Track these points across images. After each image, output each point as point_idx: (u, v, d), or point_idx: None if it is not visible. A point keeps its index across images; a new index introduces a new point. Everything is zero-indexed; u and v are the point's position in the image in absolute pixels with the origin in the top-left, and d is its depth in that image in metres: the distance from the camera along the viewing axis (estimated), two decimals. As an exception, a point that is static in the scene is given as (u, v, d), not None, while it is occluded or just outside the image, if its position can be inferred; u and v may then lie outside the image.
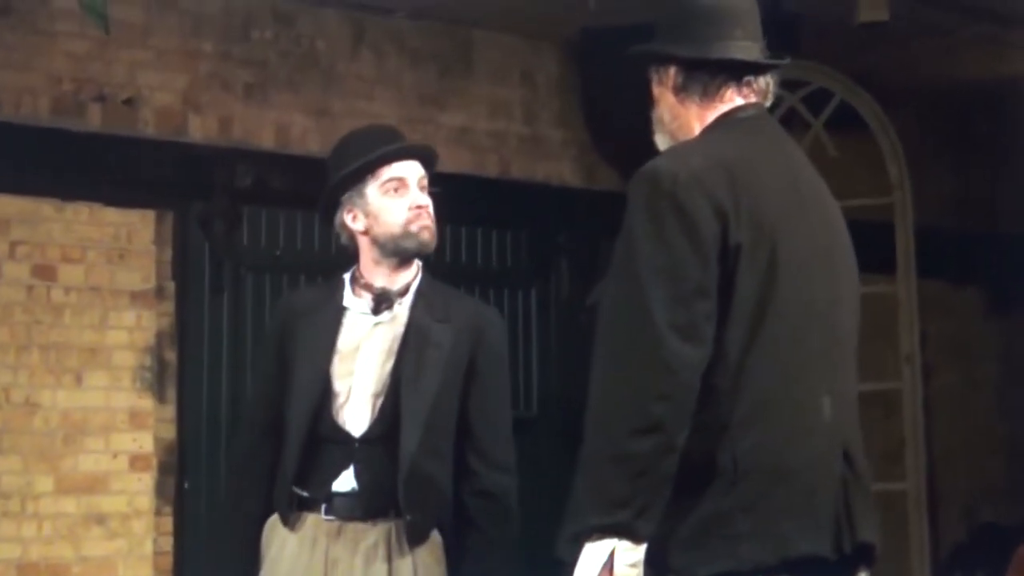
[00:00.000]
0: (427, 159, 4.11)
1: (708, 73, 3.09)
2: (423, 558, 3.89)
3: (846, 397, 3.01)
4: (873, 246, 8.48)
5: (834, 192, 8.61)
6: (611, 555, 2.77)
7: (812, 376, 2.92)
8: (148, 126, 7.30)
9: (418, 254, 4.04)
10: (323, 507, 3.87)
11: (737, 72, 3.10)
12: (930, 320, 8.88)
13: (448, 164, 8.09)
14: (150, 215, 7.24)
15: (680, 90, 3.12)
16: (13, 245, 6.89)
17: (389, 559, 3.85)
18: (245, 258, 7.56)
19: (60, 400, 6.85)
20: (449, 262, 8.17)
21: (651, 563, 2.80)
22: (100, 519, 6.83)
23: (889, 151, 8.28)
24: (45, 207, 6.99)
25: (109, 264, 7.08)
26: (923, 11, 7.95)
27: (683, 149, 3.05)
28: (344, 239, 4.08)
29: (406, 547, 3.86)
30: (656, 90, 3.19)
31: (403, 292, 4.02)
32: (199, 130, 7.45)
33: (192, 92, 7.44)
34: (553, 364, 8.43)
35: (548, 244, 8.49)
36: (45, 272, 6.97)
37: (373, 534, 3.86)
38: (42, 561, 6.76)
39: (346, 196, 4.00)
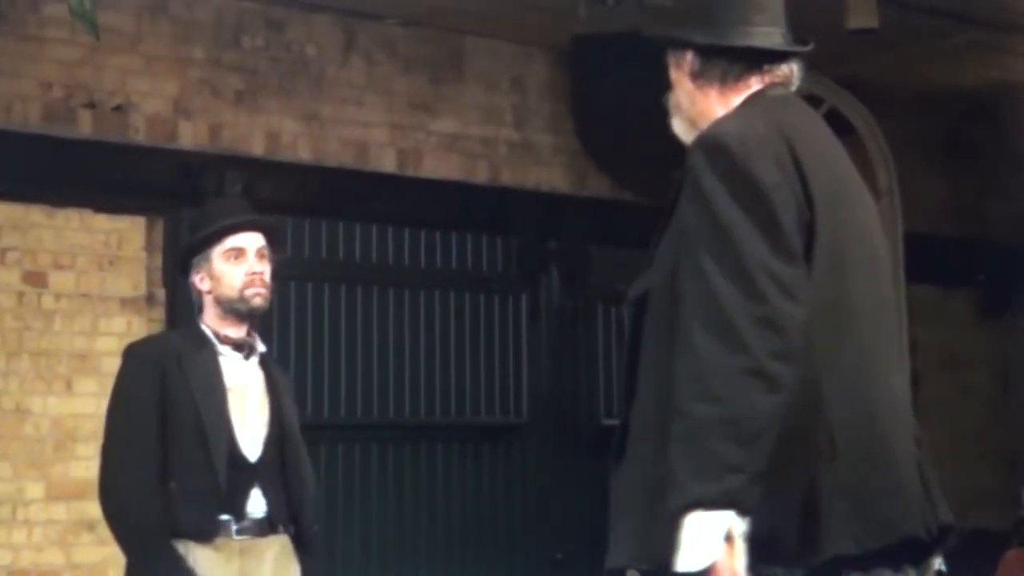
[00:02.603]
0: (269, 231, 4.63)
1: (727, 60, 3.01)
2: (297, 563, 4.51)
3: (907, 377, 2.98)
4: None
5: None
6: (729, 530, 2.59)
7: (886, 354, 2.86)
8: (138, 133, 7.30)
9: (250, 315, 4.55)
10: (234, 528, 4.37)
11: (757, 59, 3.02)
12: (920, 326, 8.90)
13: (439, 171, 8.14)
14: (140, 222, 7.24)
15: (698, 76, 3.05)
16: (3, 251, 6.89)
17: (286, 566, 4.46)
18: (235, 264, 7.55)
19: (51, 406, 6.85)
20: (439, 268, 8.18)
21: (752, 549, 2.63)
22: (91, 526, 6.82)
23: (878, 157, 8.29)
24: (35, 213, 6.98)
25: (100, 271, 7.08)
26: (912, 17, 7.96)
27: (739, 115, 2.94)
28: (194, 296, 4.60)
29: (294, 554, 4.49)
30: (673, 74, 3.11)
31: (254, 342, 4.59)
32: (189, 137, 7.45)
33: (182, 99, 7.44)
34: (543, 370, 8.43)
35: (538, 250, 8.49)
36: (35, 278, 6.96)
37: (273, 547, 4.44)
38: (33, 568, 6.76)
39: (195, 260, 4.56)
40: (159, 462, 4.34)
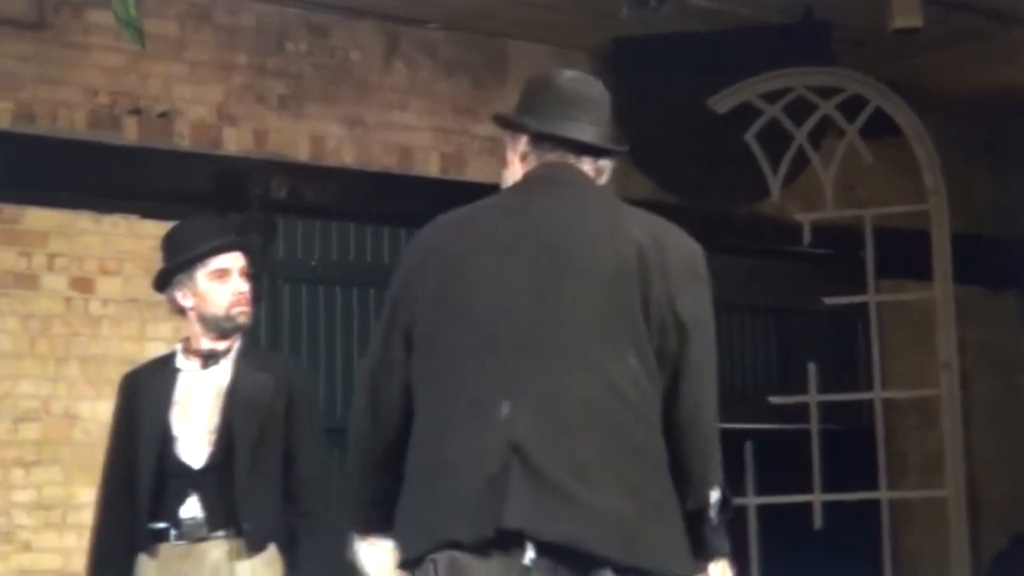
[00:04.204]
0: (250, 251, 4.85)
1: (550, 146, 3.43)
2: (262, 567, 4.57)
3: (538, 399, 3.17)
4: (910, 253, 8.53)
5: (870, 199, 8.57)
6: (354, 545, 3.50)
7: (488, 384, 3.19)
8: (184, 139, 7.34)
9: (235, 332, 4.72)
10: (172, 533, 4.55)
11: (577, 150, 3.44)
12: (967, 327, 8.84)
13: (481, 174, 8.15)
14: (186, 227, 7.27)
15: (524, 158, 3.46)
16: (51, 258, 6.94)
17: (231, 569, 4.54)
18: (281, 270, 7.59)
19: (99, 411, 6.85)
20: (484, 272, 8.18)
21: None
22: (139, 530, 6.86)
23: (925, 158, 8.24)
24: (82, 220, 7.04)
25: (146, 276, 7.04)
26: (957, 17, 7.93)
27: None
28: (174, 310, 4.80)
29: (245, 557, 4.55)
30: (509, 155, 3.51)
31: (227, 351, 4.71)
32: (234, 143, 7.49)
33: (227, 105, 7.48)
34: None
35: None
36: (83, 284, 7.02)
37: (217, 550, 4.55)
38: (84, 571, 6.80)
39: (178, 278, 4.71)
40: (124, 483, 4.64)
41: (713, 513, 3.27)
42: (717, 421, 3.32)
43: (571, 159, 3.43)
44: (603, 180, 3.51)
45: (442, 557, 3.13)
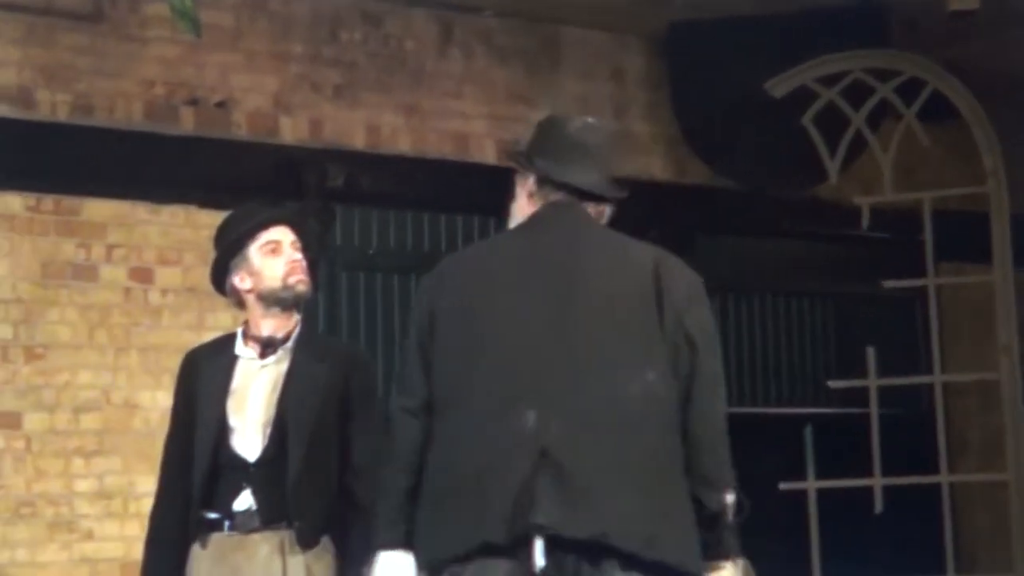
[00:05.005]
0: (298, 225, 4.79)
1: (553, 188, 3.76)
2: (314, 561, 4.52)
3: (564, 410, 3.45)
4: (969, 236, 8.47)
5: (928, 183, 8.48)
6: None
7: (511, 398, 3.47)
8: (240, 128, 7.38)
9: (296, 303, 4.66)
10: (226, 524, 4.52)
11: (577, 194, 3.77)
12: (1027, 310, 8.78)
13: (538, 161, 8.15)
14: (244, 217, 7.30)
15: (532, 195, 3.78)
16: (110, 248, 6.99)
17: (284, 562, 4.50)
18: (338, 258, 7.62)
19: (159, 401, 6.92)
20: (540, 259, 8.18)
21: None
22: (199, 518, 6.91)
23: (983, 140, 8.18)
24: (140, 210, 7.08)
25: (205, 266, 7.07)
26: (1014, -1, 7.86)
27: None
28: (234, 302, 4.74)
29: (298, 551, 4.50)
30: (517, 189, 3.83)
31: (286, 339, 4.65)
32: (290, 132, 7.52)
33: (283, 94, 7.51)
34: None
35: (639, 239, 8.45)
36: (142, 275, 7.06)
37: (269, 543, 4.51)
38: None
39: (233, 262, 4.67)
40: (180, 471, 4.62)
41: (731, 514, 3.50)
42: (726, 428, 3.60)
43: (574, 201, 3.75)
44: (603, 221, 3.85)
45: (473, 563, 3.41)
